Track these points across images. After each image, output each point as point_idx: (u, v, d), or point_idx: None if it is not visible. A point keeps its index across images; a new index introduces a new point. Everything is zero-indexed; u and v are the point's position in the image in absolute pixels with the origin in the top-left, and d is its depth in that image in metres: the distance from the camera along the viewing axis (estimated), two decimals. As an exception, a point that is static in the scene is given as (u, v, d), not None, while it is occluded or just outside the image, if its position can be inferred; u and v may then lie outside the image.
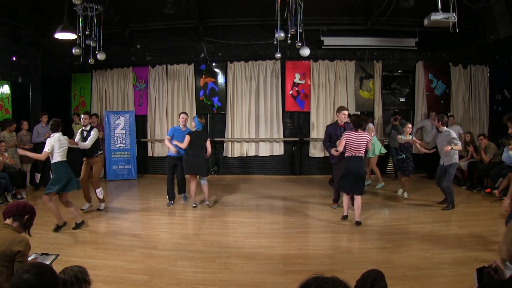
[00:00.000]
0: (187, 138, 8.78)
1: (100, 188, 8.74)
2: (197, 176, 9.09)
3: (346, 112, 8.43)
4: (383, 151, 11.08)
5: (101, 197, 8.77)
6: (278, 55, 11.32)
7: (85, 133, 8.45)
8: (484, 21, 9.15)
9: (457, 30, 7.62)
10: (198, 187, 9.22)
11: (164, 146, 13.27)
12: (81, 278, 2.86)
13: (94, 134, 8.37)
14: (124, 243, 6.59)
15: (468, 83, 13.20)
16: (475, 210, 8.09)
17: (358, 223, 7.45)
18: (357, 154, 7.44)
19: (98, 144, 8.80)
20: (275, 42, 10.68)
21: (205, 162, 9.23)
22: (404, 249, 6.18)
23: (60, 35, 8.66)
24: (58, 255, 5.37)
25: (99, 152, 8.78)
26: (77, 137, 8.53)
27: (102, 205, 8.87)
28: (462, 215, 8.03)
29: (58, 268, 2.75)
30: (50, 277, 2.34)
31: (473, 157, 10.81)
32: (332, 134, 8.45)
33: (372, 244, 6.59)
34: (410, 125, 9.44)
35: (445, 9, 7.58)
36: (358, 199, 7.52)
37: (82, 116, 8.63)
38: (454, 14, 7.52)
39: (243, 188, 11.18)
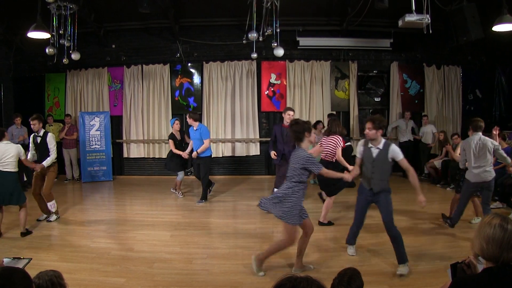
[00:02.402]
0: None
1: (53, 201, 7.96)
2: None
3: (291, 113, 8.66)
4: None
5: (53, 210, 7.99)
6: (254, 55, 11.32)
7: (38, 139, 7.75)
8: (456, 23, 9.29)
9: (430, 32, 7.73)
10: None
11: (140, 147, 13.22)
12: (57, 282, 2.79)
13: (53, 142, 7.76)
14: (100, 245, 6.51)
15: (441, 83, 13.43)
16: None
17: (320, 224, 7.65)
18: (327, 159, 7.68)
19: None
20: (244, 42, 10.68)
21: (170, 161, 10.13)
22: (380, 247, 6.25)
23: (33, 34, 8.52)
24: (31, 259, 5.29)
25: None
26: (30, 145, 7.86)
27: (54, 217, 7.99)
28: (437, 212, 8.13)
29: (32, 272, 2.67)
30: (23, 281, 2.26)
31: (447, 155, 10.99)
32: (277, 134, 8.80)
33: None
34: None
35: (419, 10, 7.69)
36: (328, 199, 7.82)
37: (31, 122, 7.71)
38: (428, 15, 7.64)
39: (219, 189, 11.14)
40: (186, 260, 5.85)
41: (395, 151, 5.36)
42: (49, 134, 7.81)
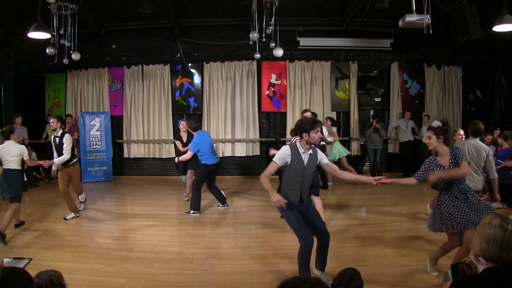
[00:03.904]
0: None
1: (83, 194, 8.83)
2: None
3: (308, 114, 8.30)
4: (344, 153, 11.27)
5: (82, 200, 8.84)
6: (257, 55, 11.33)
7: (57, 139, 7.90)
8: (456, 23, 9.29)
9: (430, 32, 7.74)
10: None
11: (140, 147, 13.23)
12: (57, 282, 2.78)
13: (68, 142, 7.84)
14: (101, 246, 6.51)
15: (441, 83, 13.43)
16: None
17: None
18: None
19: (73, 150, 8.20)
20: (251, 43, 10.69)
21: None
22: (381, 247, 6.24)
23: (34, 34, 8.52)
24: (31, 259, 5.30)
25: (74, 160, 8.17)
26: (52, 144, 8.09)
27: (82, 206, 8.81)
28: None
29: (32, 273, 2.66)
30: (25, 282, 2.25)
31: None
32: None
33: (349, 243, 6.63)
34: (462, 132, 7.50)
35: (419, 11, 7.69)
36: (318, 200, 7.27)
37: (51, 119, 8.02)
38: (428, 15, 7.64)
39: (219, 189, 11.14)
40: (186, 260, 5.85)
41: (323, 154, 5.10)
42: (66, 135, 7.91)
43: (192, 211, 8.55)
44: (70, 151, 7.87)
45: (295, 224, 4.82)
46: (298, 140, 4.97)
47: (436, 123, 4.75)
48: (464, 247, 4.59)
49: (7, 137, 7.12)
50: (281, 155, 4.80)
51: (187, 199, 9.31)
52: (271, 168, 4.81)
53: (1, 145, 7.08)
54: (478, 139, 6.27)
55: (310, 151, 4.86)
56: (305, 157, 4.84)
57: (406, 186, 5.28)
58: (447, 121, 4.87)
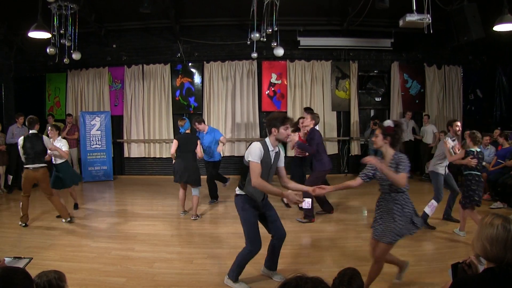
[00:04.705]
0: (175, 142, 8.08)
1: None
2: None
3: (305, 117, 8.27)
4: None
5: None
6: (254, 54, 11.33)
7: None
8: (457, 22, 9.28)
9: (431, 31, 7.73)
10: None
11: (141, 147, 13.22)
12: (55, 284, 2.73)
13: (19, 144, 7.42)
14: (101, 245, 6.51)
15: (442, 83, 13.42)
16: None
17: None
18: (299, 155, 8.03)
19: (37, 154, 7.52)
20: (248, 42, 10.77)
21: (196, 169, 8.23)
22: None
23: (34, 34, 8.49)
24: (32, 258, 5.28)
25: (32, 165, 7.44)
26: None
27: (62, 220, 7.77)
28: (439, 212, 8.10)
29: (32, 272, 2.65)
30: (24, 282, 2.24)
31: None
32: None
33: (349, 242, 6.63)
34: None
35: (419, 10, 7.68)
36: None
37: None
38: (429, 15, 7.63)
39: (220, 189, 11.13)
40: (186, 260, 5.85)
41: (283, 154, 5.02)
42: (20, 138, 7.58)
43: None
44: (21, 152, 7.42)
45: (251, 228, 4.78)
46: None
47: (388, 123, 4.50)
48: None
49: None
50: (256, 152, 4.64)
51: (194, 218, 8.13)
52: (257, 169, 4.62)
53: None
54: (448, 133, 7.48)
55: (276, 149, 4.81)
56: (272, 155, 4.78)
57: (351, 188, 4.94)
58: (400, 123, 4.66)
